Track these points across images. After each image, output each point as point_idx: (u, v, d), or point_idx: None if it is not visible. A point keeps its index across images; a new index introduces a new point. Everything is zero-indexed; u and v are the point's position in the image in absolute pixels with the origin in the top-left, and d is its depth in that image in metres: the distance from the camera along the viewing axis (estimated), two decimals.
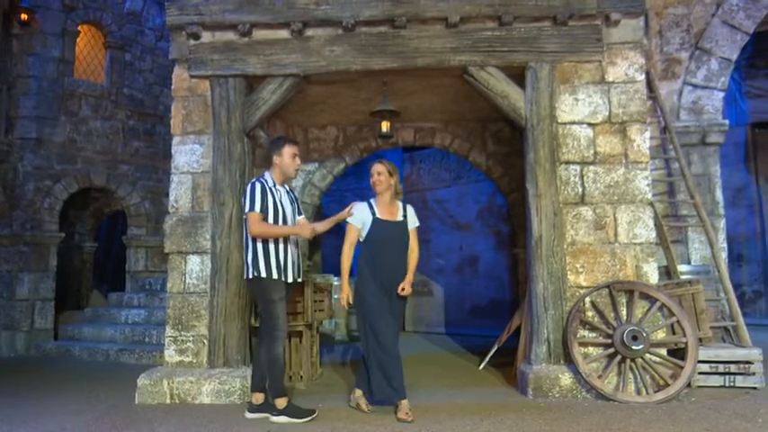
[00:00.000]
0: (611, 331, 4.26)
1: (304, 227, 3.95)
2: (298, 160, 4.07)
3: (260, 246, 3.85)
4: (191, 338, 4.62)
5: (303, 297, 4.91)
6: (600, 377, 4.19)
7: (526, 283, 4.79)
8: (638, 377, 4.19)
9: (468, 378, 5.20)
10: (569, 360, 4.27)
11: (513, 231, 7.00)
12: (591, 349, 4.34)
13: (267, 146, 4.17)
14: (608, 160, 4.54)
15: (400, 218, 4.04)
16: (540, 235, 4.44)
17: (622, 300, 4.38)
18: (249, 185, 3.91)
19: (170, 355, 4.62)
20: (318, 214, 7.42)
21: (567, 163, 4.56)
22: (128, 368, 6.11)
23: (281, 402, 3.79)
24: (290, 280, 3.91)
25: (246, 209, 3.84)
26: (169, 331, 4.65)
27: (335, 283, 8.35)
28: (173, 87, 4.88)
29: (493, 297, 9.45)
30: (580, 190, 4.54)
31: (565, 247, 4.46)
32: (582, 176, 4.54)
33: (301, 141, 6.51)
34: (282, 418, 3.75)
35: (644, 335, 4.15)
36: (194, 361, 4.59)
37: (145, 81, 9.33)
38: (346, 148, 6.52)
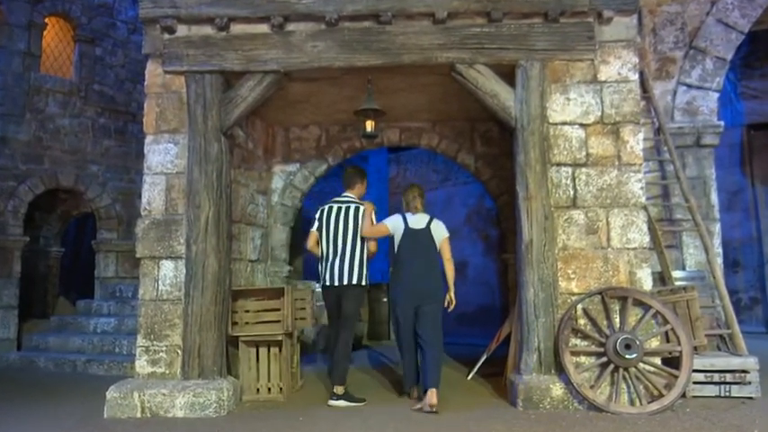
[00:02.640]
0: (603, 339, 4.29)
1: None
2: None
3: (366, 257, 4.85)
4: (163, 348, 4.57)
5: (283, 304, 4.89)
6: (592, 387, 4.22)
7: (516, 289, 4.81)
8: (632, 387, 4.23)
9: (455, 389, 5.19)
10: (561, 370, 4.29)
11: (502, 236, 7.02)
12: (583, 358, 4.37)
13: (351, 172, 5.11)
14: (600, 162, 4.58)
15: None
16: (531, 239, 4.47)
17: (615, 307, 4.42)
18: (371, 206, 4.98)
19: (141, 365, 4.57)
20: (299, 217, 7.39)
21: (559, 165, 4.59)
22: (96, 380, 6.02)
23: (340, 389, 4.64)
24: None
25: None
26: (140, 341, 4.60)
27: (317, 288, 8.32)
28: (146, 83, 4.84)
29: (481, 304, 9.49)
30: (572, 193, 4.57)
31: (556, 252, 4.49)
32: (574, 179, 4.58)
33: (282, 141, 6.49)
34: (341, 402, 4.59)
35: (637, 343, 4.18)
36: (167, 372, 4.54)
37: (116, 77, 9.24)
38: (329, 148, 6.50)
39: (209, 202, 4.62)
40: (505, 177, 6.12)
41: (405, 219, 4.80)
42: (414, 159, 10.85)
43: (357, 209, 4.86)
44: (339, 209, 4.88)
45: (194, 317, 4.52)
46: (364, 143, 6.42)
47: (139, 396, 4.33)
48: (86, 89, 8.83)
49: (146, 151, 4.79)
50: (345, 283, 4.75)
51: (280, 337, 4.90)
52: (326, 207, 4.92)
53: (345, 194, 4.99)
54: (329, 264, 4.81)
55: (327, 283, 4.82)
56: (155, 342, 4.59)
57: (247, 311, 4.94)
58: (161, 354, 4.57)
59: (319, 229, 4.89)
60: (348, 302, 4.78)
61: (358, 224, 4.80)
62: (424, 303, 4.64)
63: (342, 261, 4.76)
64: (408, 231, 4.74)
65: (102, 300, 8.45)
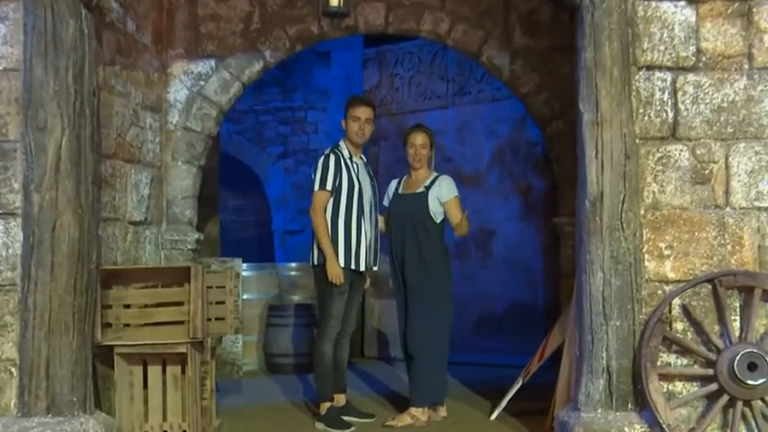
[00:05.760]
0: (713, 356, 4.38)
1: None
2: (368, 126, 5.80)
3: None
4: None
5: (188, 295, 4.91)
6: (693, 431, 4.34)
7: (573, 275, 4.89)
8: (756, 430, 4.35)
9: None
10: (643, 403, 4.39)
11: (553, 187, 7.09)
12: (679, 385, 4.49)
13: None
14: (720, 65, 4.61)
15: (422, 189, 5.82)
16: (601, 192, 4.50)
17: (734, 303, 4.51)
18: (322, 157, 5.72)
19: None
20: (215, 151, 7.36)
21: (650, 68, 4.62)
22: None
23: (322, 407, 5.56)
24: (361, 268, 5.73)
25: (316, 187, 5.63)
26: None
27: (245, 273, 8.36)
28: None
29: (515, 300, 9.62)
30: (670, 115, 4.61)
31: (642, 212, 4.55)
32: (675, 92, 4.61)
33: (185, 21, 6.41)
34: (320, 426, 5.51)
35: (767, 362, 4.29)
36: None
37: None
38: (266, 34, 6.46)
39: (62, 121, 4.56)
40: (561, 89, 6.14)
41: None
42: (408, 58, 10.78)
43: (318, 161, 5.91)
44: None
45: (39, 313, 4.50)
46: (325, 27, 6.39)
47: None
48: None
49: None
50: (314, 264, 5.77)
51: (183, 349, 4.93)
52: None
53: None
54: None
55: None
56: None
57: (128, 306, 4.96)
58: None
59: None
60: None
61: (325, 185, 5.63)
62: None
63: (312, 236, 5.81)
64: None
65: None
